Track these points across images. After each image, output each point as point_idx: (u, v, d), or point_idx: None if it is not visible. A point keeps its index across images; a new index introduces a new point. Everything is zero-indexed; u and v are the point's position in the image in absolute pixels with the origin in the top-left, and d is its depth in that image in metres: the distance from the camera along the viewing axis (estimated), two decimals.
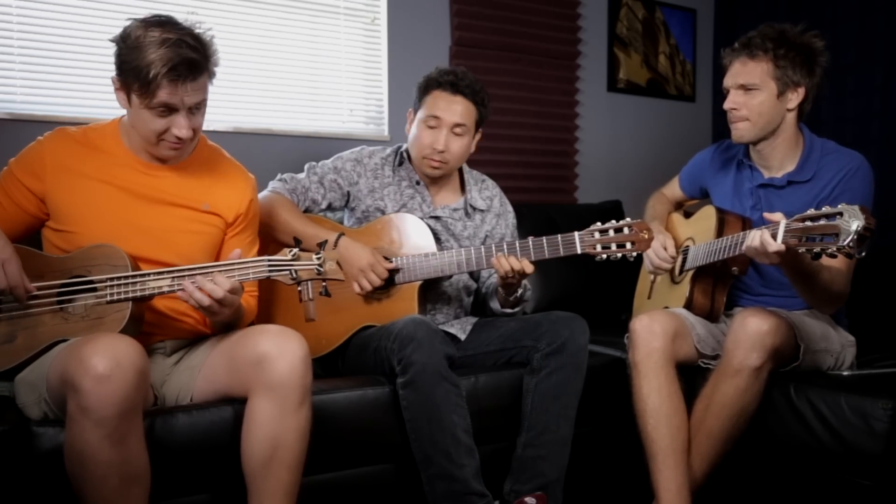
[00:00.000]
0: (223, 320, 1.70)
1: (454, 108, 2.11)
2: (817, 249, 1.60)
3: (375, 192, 2.21)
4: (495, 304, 2.20)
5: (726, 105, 2.05)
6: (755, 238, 1.74)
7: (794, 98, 2.02)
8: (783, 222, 1.68)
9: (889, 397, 1.82)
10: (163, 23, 1.61)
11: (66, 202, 1.68)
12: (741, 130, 2.04)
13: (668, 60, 3.75)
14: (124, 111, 1.71)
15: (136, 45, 1.57)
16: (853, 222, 1.53)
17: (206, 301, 1.55)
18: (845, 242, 1.53)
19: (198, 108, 1.65)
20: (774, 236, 1.70)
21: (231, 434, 1.63)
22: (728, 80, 2.06)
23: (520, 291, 2.12)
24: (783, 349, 1.88)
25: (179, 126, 1.62)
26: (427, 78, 2.16)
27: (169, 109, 1.60)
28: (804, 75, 2.00)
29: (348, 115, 2.94)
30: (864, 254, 1.56)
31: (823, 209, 1.61)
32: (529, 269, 1.96)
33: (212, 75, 1.67)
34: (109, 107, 1.78)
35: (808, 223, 1.62)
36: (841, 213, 1.56)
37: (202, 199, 1.77)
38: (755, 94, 2.00)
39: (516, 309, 2.19)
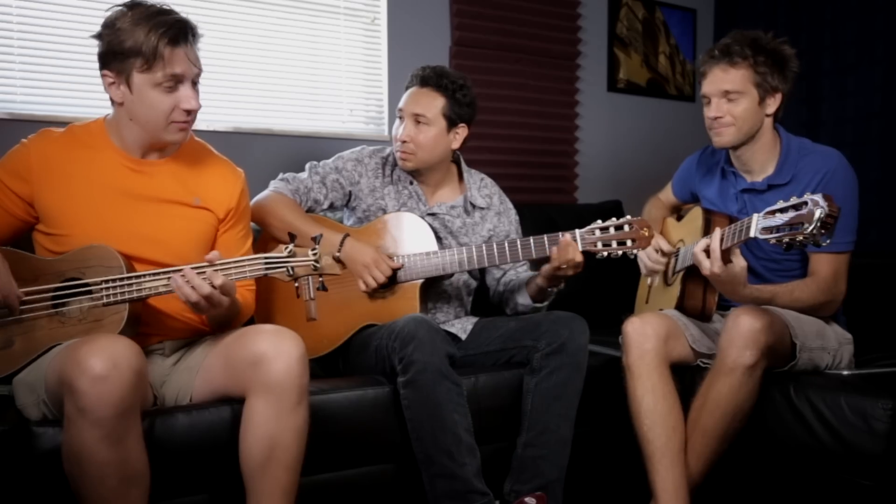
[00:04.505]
0: (218, 317, 1.70)
1: (416, 100, 2.16)
2: (787, 240, 1.67)
3: (376, 191, 2.21)
4: (525, 300, 2.19)
5: (711, 113, 2.04)
6: (697, 245, 1.86)
7: (773, 104, 2.03)
8: (755, 216, 1.75)
9: (889, 397, 1.82)
10: (138, 3, 1.62)
11: (55, 204, 1.66)
12: (726, 136, 2.04)
13: (668, 60, 3.75)
14: (108, 111, 1.71)
15: (123, 25, 1.57)
16: (817, 210, 1.61)
17: (194, 297, 1.54)
18: (810, 230, 1.61)
19: (197, 81, 1.67)
20: (708, 251, 1.83)
21: (230, 434, 1.63)
22: (709, 88, 2.05)
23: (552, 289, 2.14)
24: (777, 347, 1.89)
25: (188, 98, 1.62)
26: (408, 78, 2.23)
27: (175, 81, 1.61)
28: (781, 81, 2.02)
29: (348, 115, 2.94)
30: (829, 241, 1.64)
31: (791, 200, 1.67)
32: (580, 257, 1.98)
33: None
34: (109, 107, 1.77)
35: (779, 215, 1.69)
36: (806, 203, 1.64)
37: (193, 194, 1.76)
38: (739, 102, 2.00)
39: (546, 303, 2.19)
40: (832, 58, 3.41)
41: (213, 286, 1.55)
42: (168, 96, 1.61)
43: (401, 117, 2.18)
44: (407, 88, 2.21)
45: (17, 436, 1.56)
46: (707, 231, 2.06)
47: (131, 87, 1.61)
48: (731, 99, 2.01)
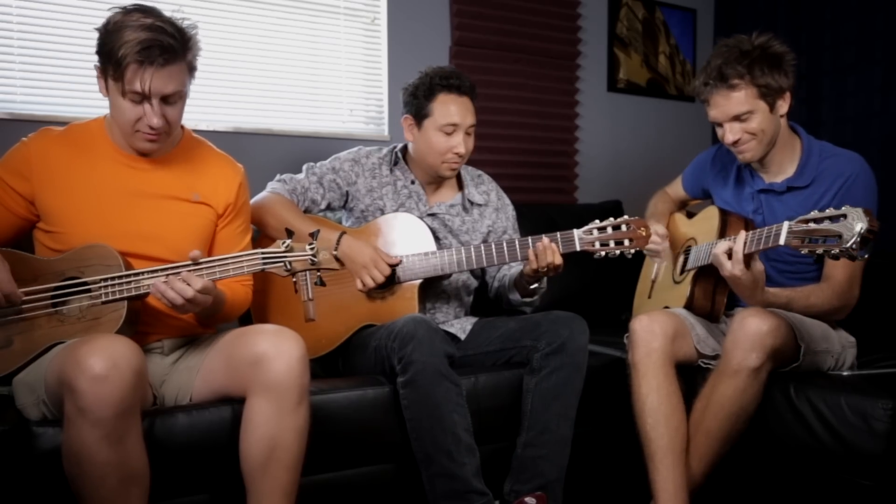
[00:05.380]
0: (203, 315, 1.71)
1: (469, 111, 2.15)
2: (820, 251, 1.62)
3: (374, 191, 2.21)
4: (516, 296, 2.20)
5: (729, 139, 2.00)
6: (718, 246, 1.84)
7: (784, 104, 1.99)
8: (786, 223, 1.70)
9: (889, 397, 1.81)
10: (145, 10, 1.61)
11: (55, 202, 1.67)
12: (750, 152, 2.01)
13: (668, 60, 3.75)
14: (107, 110, 1.72)
15: (114, 28, 1.58)
16: (856, 224, 1.55)
17: (179, 301, 1.55)
18: (848, 245, 1.55)
19: (173, 100, 1.63)
20: (730, 253, 1.80)
21: (230, 434, 1.63)
22: (717, 115, 2.00)
23: (538, 285, 2.15)
24: (783, 350, 1.88)
25: (150, 115, 1.60)
26: (426, 83, 2.13)
27: (141, 97, 1.59)
28: (784, 79, 1.97)
29: (348, 115, 2.94)
30: (866, 256, 1.58)
31: (827, 211, 1.62)
32: (559, 260, 1.98)
33: (191, 68, 1.65)
34: (108, 106, 1.78)
35: (812, 225, 1.64)
36: (845, 216, 1.57)
37: (191, 190, 1.77)
38: (751, 119, 1.96)
39: (535, 297, 2.20)
40: (832, 58, 3.40)
41: (194, 289, 1.55)
42: (135, 107, 1.61)
43: (451, 132, 2.11)
44: (432, 92, 2.11)
45: (17, 436, 1.56)
46: (724, 232, 2.04)
47: (107, 88, 1.63)
48: (744, 119, 1.97)
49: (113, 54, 1.55)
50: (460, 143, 2.12)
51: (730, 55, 1.96)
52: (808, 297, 1.96)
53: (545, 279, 2.15)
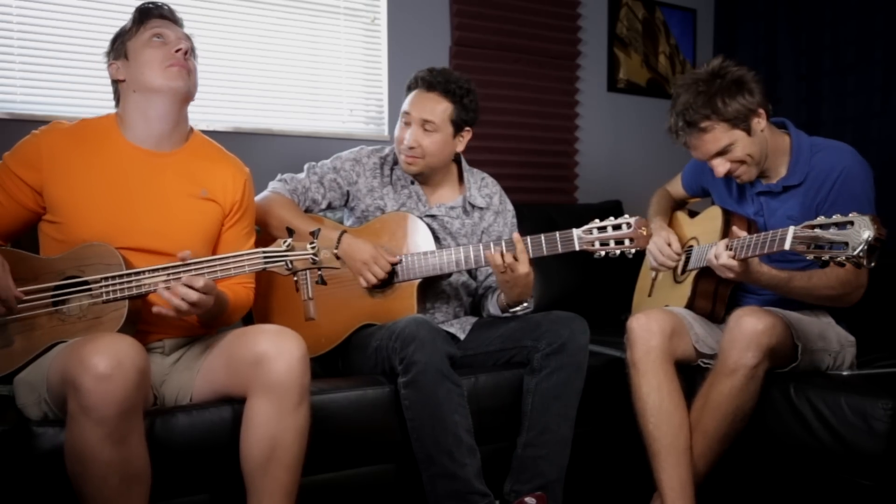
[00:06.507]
0: (206, 316, 1.71)
1: (423, 105, 2.12)
2: (826, 257, 1.60)
3: (375, 191, 2.21)
4: (494, 309, 2.19)
5: (720, 173, 2.00)
6: (711, 251, 1.85)
7: (761, 121, 1.97)
8: (792, 228, 1.69)
9: (889, 397, 1.82)
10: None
11: (63, 193, 1.67)
12: (747, 175, 2.02)
13: (668, 60, 3.75)
14: (107, 110, 1.78)
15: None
16: (864, 232, 1.52)
17: (184, 307, 1.56)
18: (855, 252, 1.53)
19: (188, 40, 1.77)
20: (729, 248, 1.81)
21: (230, 434, 1.63)
22: (699, 156, 2.03)
23: (520, 308, 2.11)
24: (779, 348, 1.88)
25: (177, 40, 1.72)
26: (411, 78, 2.19)
27: (161, 36, 1.72)
28: (751, 102, 1.94)
29: (348, 115, 2.94)
30: (873, 264, 1.55)
31: (834, 217, 1.60)
32: (524, 269, 1.94)
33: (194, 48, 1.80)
34: (109, 107, 1.79)
35: (818, 231, 1.62)
36: (852, 223, 1.55)
37: (200, 186, 1.78)
38: (733, 150, 1.96)
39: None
40: (832, 58, 3.40)
41: (196, 289, 1.56)
42: (159, 49, 1.71)
43: (407, 122, 2.14)
44: (409, 89, 2.18)
45: (17, 436, 1.56)
46: (727, 232, 2.04)
47: (128, 56, 1.71)
48: (727, 151, 1.97)
49: (131, 22, 1.76)
50: (408, 135, 2.12)
51: (688, 97, 1.94)
52: (810, 276, 1.92)
53: (531, 300, 2.13)
